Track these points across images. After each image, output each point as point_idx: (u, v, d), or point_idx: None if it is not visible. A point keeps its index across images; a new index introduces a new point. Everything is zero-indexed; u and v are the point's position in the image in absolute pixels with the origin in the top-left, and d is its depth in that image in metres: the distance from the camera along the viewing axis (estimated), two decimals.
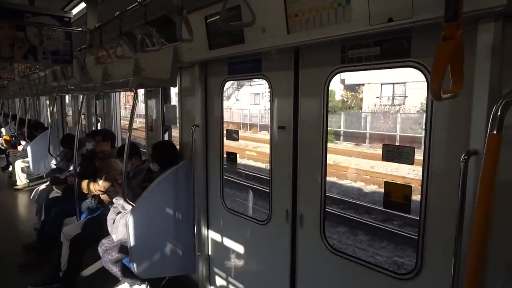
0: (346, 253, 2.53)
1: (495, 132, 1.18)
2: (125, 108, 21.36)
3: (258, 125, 23.57)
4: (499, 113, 1.18)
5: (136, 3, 2.55)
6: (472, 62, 1.62)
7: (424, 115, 1.97)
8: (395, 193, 2.19)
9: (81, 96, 5.60)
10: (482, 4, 1.48)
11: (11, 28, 3.03)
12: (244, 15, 2.52)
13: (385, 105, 20.44)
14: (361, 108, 21.21)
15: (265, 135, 18.56)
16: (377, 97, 20.82)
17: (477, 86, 1.62)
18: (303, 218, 2.71)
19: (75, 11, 3.45)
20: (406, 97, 19.65)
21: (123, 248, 3.50)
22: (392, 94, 20.68)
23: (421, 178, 2.01)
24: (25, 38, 3.15)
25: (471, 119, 1.67)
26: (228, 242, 3.51)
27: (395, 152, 2.17)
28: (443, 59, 1.25)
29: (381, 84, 20.46)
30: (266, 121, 21.26)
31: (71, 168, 5.15)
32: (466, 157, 1.62)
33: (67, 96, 8.32)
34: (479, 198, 1.24)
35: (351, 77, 19.63)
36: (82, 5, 3.28)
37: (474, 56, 1.62)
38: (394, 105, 20.00)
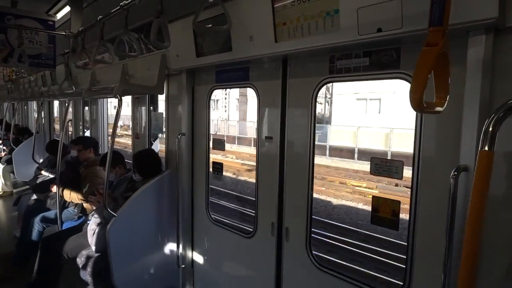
0: (334, 269, 2.45)
1: (486, 148, 1.12)
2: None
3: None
4: (490, 128, 1.12)
5: (119, 7, 2.49)
6: (462, 75, 1.57)
7: (414, 129, 1.92)
8: (383, 208, 2.12)
9: (67, 102, 5.48)
10: (472, 16, 1.44)
11: None
12: (230, 22, 2.47)
13: None
14: None
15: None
16: None
17: (468, 101, 1.57)
18: (289, 231, 2.62)
19: (59, 15, 3.36)
20: None
21: (103, 260, 3.36)
22: None
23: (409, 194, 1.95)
24: (6, 41, 3.04)
25: (461, 134, 1.62)
26: (213, 255, 3.41)
27: None
28: (425, 66, 1.20)
29: None
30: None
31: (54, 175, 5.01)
32: (456, 173, 1.55)
33: (55, 102, 8.18)
34: (471, 216, 1.17)
35: None
36: (67, 9, 3.19)
37: (464, 70, 1.57)
38: None
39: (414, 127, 1.91)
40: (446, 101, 1.33)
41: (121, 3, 2.52)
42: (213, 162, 3.37)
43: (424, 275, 1.91)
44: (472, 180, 1.51)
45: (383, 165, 2.13)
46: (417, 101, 1.19)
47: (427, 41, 1.23)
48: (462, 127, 1.61)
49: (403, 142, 15.61)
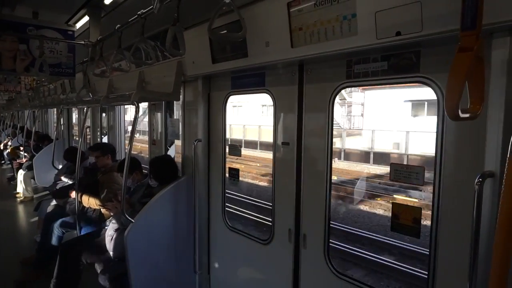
0: (352, 277, 2.40)
1: None
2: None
3: None
4: None
5: (136, 16, 2.52)
6: (486, 78, 1.52)
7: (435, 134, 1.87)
8: (404, 215, 2.07)
9: (85, 109, 5.59)
10: (496, 17, 1.39)
11: (13, 41, 3.03)
12: (245, 29, 2.47)
13: None
14: None
15: None
16: None
17: (492, 103, 1.52)
18: (306, 238, 2.59)
19: (78, 24, 3.44)
20: None
21: (121, 265, 3.39)
22: None
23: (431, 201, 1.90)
24: (28, 51, 3.13)
25: (485, 138, 1.57)
26: (229, 261, 3.39)
27: None
28: (460, 72, 1.15)
29: None
30: None
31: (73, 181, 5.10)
32: (481, 179, 1.50)
33: (74, 109, 8.36)
34: (500, 225, 1.13)
35: None
36: (86, 18, 3.27)
37: (488, 72, 1.52)
38: None
39: (435, 131, 1.86)
40: (481, 108, 1.29)
41: (138, 12, 2.56)
42: (229, 168, 3.37)
43: (448, 285, 1.85)
44: (499, 187, 1.46)
45: (403, 170, 2.08)
46: (452, 109, 1.14)
47: (460, 46, 1.19)
48: (487, 131, 1.56)
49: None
